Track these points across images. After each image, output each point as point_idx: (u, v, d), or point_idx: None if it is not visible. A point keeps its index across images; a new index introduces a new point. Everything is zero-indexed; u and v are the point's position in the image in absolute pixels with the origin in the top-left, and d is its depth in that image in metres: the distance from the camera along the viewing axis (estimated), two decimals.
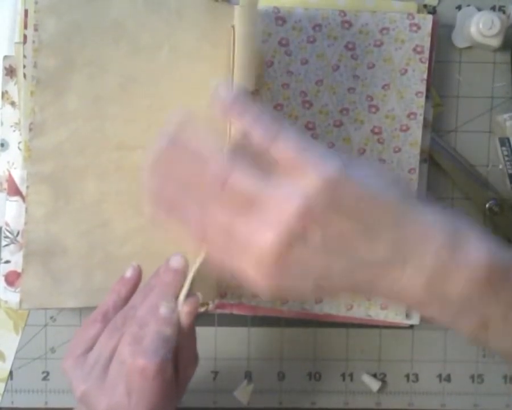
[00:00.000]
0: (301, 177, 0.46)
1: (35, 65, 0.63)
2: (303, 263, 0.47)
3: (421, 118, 0.70)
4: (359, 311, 0.72)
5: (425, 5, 0.72)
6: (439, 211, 0.48)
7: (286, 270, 0.47)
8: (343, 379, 0.77)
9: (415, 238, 0.46)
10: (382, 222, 0.46)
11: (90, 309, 0.72)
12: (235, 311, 0.74)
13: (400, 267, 0.46)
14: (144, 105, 0.65)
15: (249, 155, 0.48)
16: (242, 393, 0.76)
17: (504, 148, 0.73)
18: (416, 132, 0.70)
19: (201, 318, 0.73)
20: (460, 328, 0.48)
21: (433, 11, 0.72)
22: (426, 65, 0.69)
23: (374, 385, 0.76)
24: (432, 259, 0.46)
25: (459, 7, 0.73)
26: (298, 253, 0.46)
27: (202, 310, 0.71)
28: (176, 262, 0.58)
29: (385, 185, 0.48)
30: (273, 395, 0.77)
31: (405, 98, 0.70)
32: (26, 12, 0.63)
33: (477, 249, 0.46)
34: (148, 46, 0.65)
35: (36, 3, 0.62)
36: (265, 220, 0.46)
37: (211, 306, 0.72)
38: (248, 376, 0.76)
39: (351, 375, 0.76)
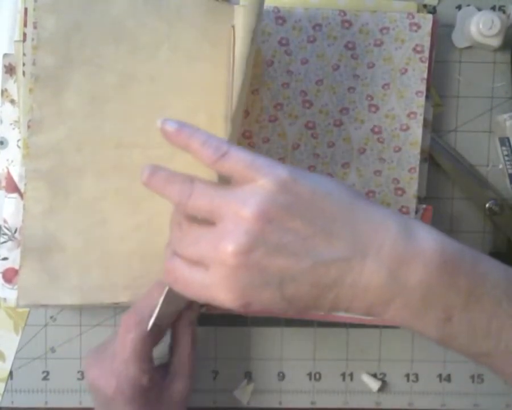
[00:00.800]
0: (253, 184, 0.49)
1: (34, 63, 0.62)
2: (265, 268, 0.48)
3: (421, 118, 0.70)
4: None
5: (425, 5, 0.72)
6: (387, 209, 0.51)
7: (250, 277, 0.48)
8: (343, 379, 0.77)
9: (371, 232, 0.49)
10: (337, 220, 0.49)
11: (90, 308, 0.73)
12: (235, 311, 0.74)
13: (361, 262, 0.48)
14: (143, 103, 0.65)
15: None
16: (242, 393, 0.76)
17: (504, 148, 0.73)
18: (416, 131, 0.70)
19: (201, 318, 0.73)
20: (425, 327, 0.50)
21: (433, 10, 0.72)
22: (426, 64, 0.69)
23: (374, 385, 0.76)
24: (389, 249, 0.48)
25: (459, 7, 0.73)
26: (259, 257, 0.48)
27: (201, 310, 0.72)
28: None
29: (335, 186, 0.51)
30: (273, 395, 0.77)
31: (405, 98, 0.69)
32: (26, 10, 0.63)
33: (428, 238, 0.49)
34: (147, 46, 0.64)
35: (36, 1, 0.62)
36: (225, 231, 0.48)
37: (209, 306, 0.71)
38: (248, 376, 0.76)
39: (351, 375, 0.77)
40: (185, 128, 0.53)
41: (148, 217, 0.66)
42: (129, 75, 0.64)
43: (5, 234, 0.67)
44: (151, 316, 0.60)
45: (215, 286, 0.49)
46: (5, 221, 0.67)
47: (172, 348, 0.67)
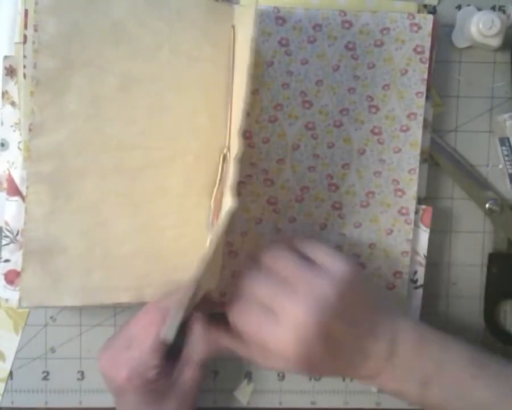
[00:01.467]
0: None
1: (35, 66, 0.62)
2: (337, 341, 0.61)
3: (421, 119, 0.70)
4: None
5: (425, 5, 0.72)
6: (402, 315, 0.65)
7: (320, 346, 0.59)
8: (343, 379, 0.77)
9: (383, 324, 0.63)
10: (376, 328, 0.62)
11: (90, 308, 0.73)
12: None
13: (377, 340, 0.62)
14: (144, 105, 0.65)
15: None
16: (242, 393, 0.76)
17: (504, 148, 0.73)
18: (416, 132, 0.70)
19: None
20: (408, 391, 0.62)
21: (433, 10, 0.73)
22: (427, 65, 0.69)
23: None
24: (385, 344, 0.61)
25: (459, 7, 0.73)
26: (333, 329, 0.60)
27: None
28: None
29: (379, 298, 0.65)
30: (273, 395, 0.77)
31: (405, 98, 0.70)
32: (26, 12, 0.64)
33: (406, 324, 0.63)
34: (148, 47, 0.65)
35: (37, 3, 0.62)
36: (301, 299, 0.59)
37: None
38: (248, 376, 0.76)
39: None
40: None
41: (149, 218, 0.66)
42: (130, 76, 0.65)
43: (7, 236, 0.68)
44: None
45: (286, 340, 0.59)
46: (6, 224, 0.67)
47: (183, 337, 0.67)
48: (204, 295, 0.65)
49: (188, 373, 0.66)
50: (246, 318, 0.62)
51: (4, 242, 0.68)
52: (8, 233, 0.68)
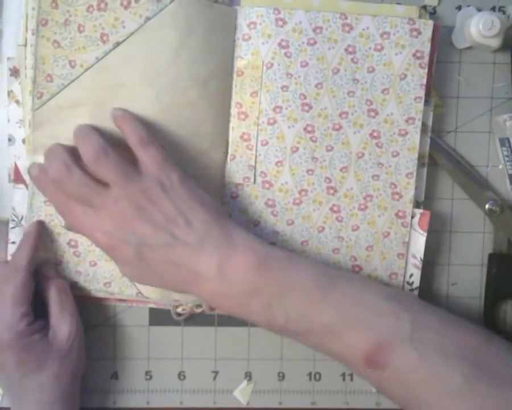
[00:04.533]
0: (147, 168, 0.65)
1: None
2: (133, 229, 0.64)
3: (419, 123, 0.71)
4: None
5: (425, 6, 0.73)
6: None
7: (121, 230, 0.64)
8: (343, 379, 0.78)
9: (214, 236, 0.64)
10: (196, 214, 0.64)
11: (90, 308, 0.75)
12: None
13: (199, 251, 0.63)
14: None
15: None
16: (242, 393, 0.78)
17: (504, 148, 0.75)
18: (414, 137, 0.71)
19: (201, 318, 0.76)
20: (250, 314, 0.64)
21: (433, 11, 0.74)
22: (426, 70, 0.70)
23: None
24: (217, 248, 0.63)
25: (459, 8, 0.74)
26: (131, 218, 0.64)
27: (198, 310, 0.75)
28: (30, 226, 0.72)
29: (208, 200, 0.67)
30: (273, 395, 0.78)
31: (404, 103, 0.71)
32: (27, 16, 0.67)
33: (247, 243, 0.65)
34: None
35: (33, 9, 0.66)
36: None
37: (205, 307, 0.75)
38: (248, 376, 0.78)
39: (351, 375, 0.78)
40: (126, 116, 0.67)
41: None
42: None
43: (13, 220, 0.72)
44: (26, 264, 0.68)
45: (96, 225, 0.64)
46: (13, 209, 0.72)
47: (45, 303, 0.71)
48: None
49: (62, 330, 0.69)
50: (70, 217, 0.66)
51: (11, 225, 0.73)
52: (14, 218, 0.72)
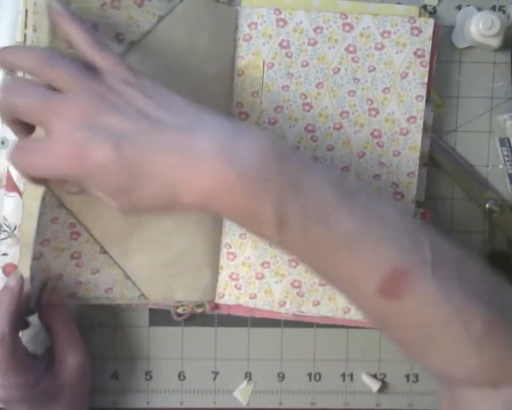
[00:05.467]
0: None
1: None
2: (104, 124, 0.53)
3: (421, 122, 0.72)
4: (357, 314, 0.73)
5: (425, 6, 0.74)
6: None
7: (88, 133, 0.53)
8: (343, 379, 0.79)
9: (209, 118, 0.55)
10: (174, 102, 0.56)
11: (90, 308, 0.75)
12: (233, 313, 0.76)
13: (192, 133, 0.53)
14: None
15: None
16: (242, 393, 0.78)
17: (504, 148, 0.75)
18: (416, 136, 0.72)
19: (201, 318, 0.76)
20: (262, 208, 0.53)
21: (433, 10, 0.74)
22: (427, 69, 0.71)
23: (374, 385, 0.78)
24: (216, 128, 0.54)
25: (459, 7, 0.75)
26: (99, 113, 0.54)
27: (198, 311, 0.75)
28: (11, 280, 0.64)
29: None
30: (273, 395, 0.79)
31: (405, 102, 0.71)
32: (27, 12, 0.66)
33: (258, 133, 0.54)
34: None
35: (35, 4, 0.65)
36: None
37: (206, 307, 0.75)
38: (248, 376, 0.78)
39: (351, 375, 0.78)
40: (73, 17, 0.59)
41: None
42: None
43: (5, 231, 0.70)
44: (9, 330, 0.62)
45: (55, 148, 0.53)
46: (5, 219, 0.70)
47: (48, 336, 0.69)
48: None
49: (69, 363, 0.67)
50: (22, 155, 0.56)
51: (2, 236, 0.70)
52: (6, 228, 0.70)
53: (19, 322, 0.65)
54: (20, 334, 0.67)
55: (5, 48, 0.58)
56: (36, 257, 0.66)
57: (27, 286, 0.65)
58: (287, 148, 0.57)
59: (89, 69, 0.56)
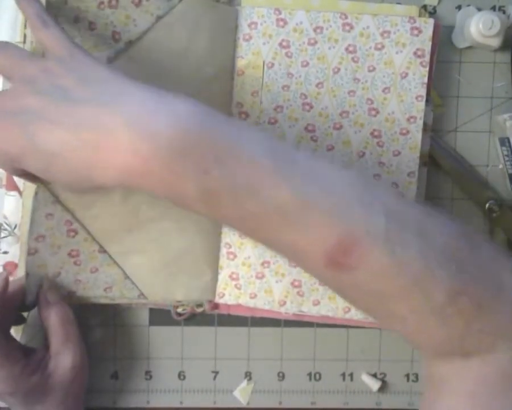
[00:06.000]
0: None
1: None
2: (24, 104, 0.53)
3: (421, 122, 0.72)
4: (357, 314, 0.74)
5: (425, 6, 0.74)
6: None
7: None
8: (343, 379, 0.79)
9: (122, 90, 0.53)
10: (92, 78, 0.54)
11: (90, 308, 0.74)
12: (233, 312, 0.76)
13: (103, 107, 0.51)
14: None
15: None
16: (242, 393, 0.78)
17: (504, 148, 0.75)
18: (416, 136, 0.72)
19: (201, 318, 0.76)
20: (183, 184, 0.50)
21: (433, 10, 0.74)
22: (427, 69, 0.71)
23: (374, 385, 0.78)
24: (133, 100, 0.51)
25: (459, 7, 0.75)
26: (21, 94, 0.54)
27: (198, 310, 0.75)
28: None
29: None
30: (273, 395, 0.79)
31: (405, 102, 0.71)
32: None
33: (173, 98, 0.52)
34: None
35: None
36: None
37: (206, 307, 0.75)
38: (248, 375, 0.79)
39: (351, 375, 0.79)
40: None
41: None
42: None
43: (5, 229, 0.71)
44: None
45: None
46: (5, 217, 0.71)
47: (45, 330, 0.69)
48: None
49: (64, 362, 0.67)
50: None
51: (2, 235, 0.71)
52: (6, 226, 0.71)
53: (8, 316, 0.67)
54: (19, 331, 0.70)
55: None
56: (31, 253, 0.67)
57: (22, 282, 0.66)
58: (215, 115, 0.53)
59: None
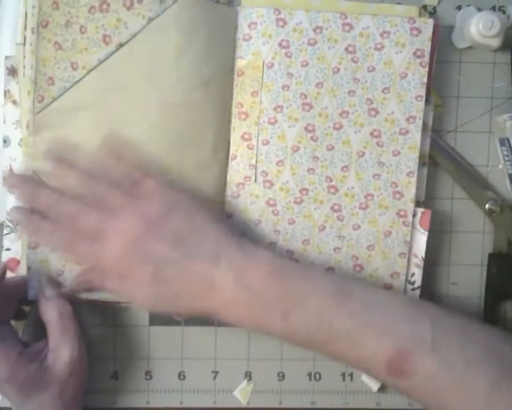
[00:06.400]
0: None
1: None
2: (148, 250, 0.64)
3: (420, 122, 0.72)
4: None
5: (425, 6, 0.74)
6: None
7: (137, 255, 0.64)
8: (343, 379, 0.79)
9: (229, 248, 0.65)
10: (205, 236, 0.65)
11: (90, 308, 0.75)
12: None
13: (215, 264, 0.63)
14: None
15: None
16: (242, 393, 0.78)
17: (504, 148, 0.75)
18: (415, 136, 0.72)
19: (201, 318, 0.75)
20: (269, 325, 0.64)
21: (433, 11, 0.75)
22: (426, 69, 0.71)
23: (374, 385, 0.78)
24: (234, 259, 0.64)
25: (459, 7, 0.75)
26: (149, 241, 0.64)
27: None
28: None
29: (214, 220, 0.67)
30: (273, 395, 0.79)
31: (404, 102, 0.72)
32: (26, 14, 0.67)
33: (262, 254, 0.65)
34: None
35: (34, 7, 0.66)
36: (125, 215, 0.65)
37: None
38: (248, 375, 0.79)
39: (351, 375, 0.78)
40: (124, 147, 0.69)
41: None
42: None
43: (8, 226, 0.72)
44: None
45: (107, 253, 0.63)
46: (8, 214, 0.71)
47: (44, 324, 0.70)
48: None
49: (62, 356, 0.68)
50: (76, 249, 0.65)
51: (5, 231, 0.72)
52: (8, 223, 0.72)
53: (8, 307, 0.70)
54: (19, 330, 0.71)
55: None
56: (32, 247, 0.69)
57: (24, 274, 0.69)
58: (289, 265, 0.66)
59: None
